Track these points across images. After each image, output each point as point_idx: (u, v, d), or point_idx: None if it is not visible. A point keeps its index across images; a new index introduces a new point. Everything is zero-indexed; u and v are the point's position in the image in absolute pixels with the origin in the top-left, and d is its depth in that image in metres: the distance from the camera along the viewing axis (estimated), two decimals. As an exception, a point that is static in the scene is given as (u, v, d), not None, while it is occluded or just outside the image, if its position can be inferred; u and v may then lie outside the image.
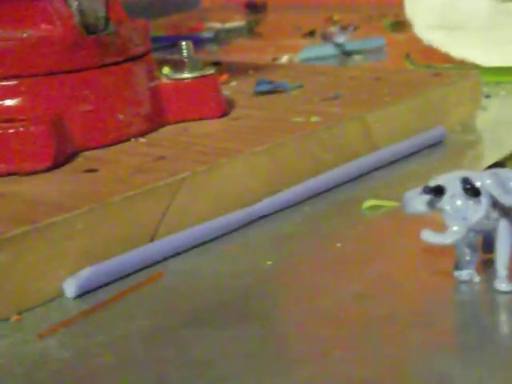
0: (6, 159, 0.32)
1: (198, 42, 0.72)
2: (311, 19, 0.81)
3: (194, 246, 0.30)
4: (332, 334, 0.24)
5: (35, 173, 0.32)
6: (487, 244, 0.26)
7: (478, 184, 0.24)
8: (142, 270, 0.29)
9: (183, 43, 0.38)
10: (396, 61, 0.57)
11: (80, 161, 0.34)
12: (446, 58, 0.56)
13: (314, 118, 0.37)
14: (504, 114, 0.46)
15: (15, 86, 0.34)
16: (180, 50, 0.38)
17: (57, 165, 0.32)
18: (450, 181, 0.25)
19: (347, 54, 0.64)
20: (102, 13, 0.34)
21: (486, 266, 0.26)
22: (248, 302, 0.26)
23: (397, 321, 0.24)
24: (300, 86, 0.43)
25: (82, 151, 0.34)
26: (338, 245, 0.30)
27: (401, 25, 0.68)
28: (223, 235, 0.31)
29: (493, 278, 0.25)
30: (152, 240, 0.30)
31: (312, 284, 0.28)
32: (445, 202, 0.24)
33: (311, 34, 0.72)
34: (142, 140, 0.36)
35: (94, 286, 0.27)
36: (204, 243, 0.31)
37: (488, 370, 0.22)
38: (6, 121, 0.32)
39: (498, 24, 0.54)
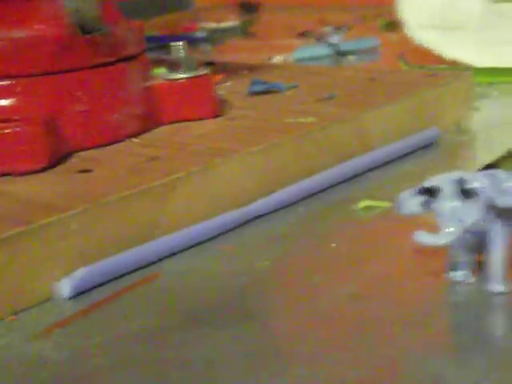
0: (0, 159, 0.32)
1: (192, 42, 0.72)
2: (305, 19, 0.81)
3: (190, 246, 0.30)
4: (327, 334, 0.24)
5: (29, 173, 0.32)
6: (482, 245, 0.26)
7: (472, 185, 0.24)
8: (137, 270, 0.29)
9: (177, 44, 0.38)
10: (390, 61, 0.58)
11: (74, 161, 0.34)
12: (440, 59, 0.56)
13: (308, 119, 0.37)
14: (497, 114, 0.46)
15: (9, 86, 0.34)
16: (174, 51, 0.38)
17: (51, 165, 0.32)
18: (445, 182, 0.25)
19: (341, 54, 0.64)
20: (95, 13, 0.34)
21: (481, 267, 0.26)
22: (244, 302, 0.26)
23: (391, 322, 0.24)
24: (294, 87, 0.44)
25: (77, 151, 0.34)
26: (333, 245, 0.30)
27: (395, 25, 0.68)
28: (219, 235, 0.31)
29: (487, 279, 0.25)
30: (147, 240, 0.30)
31: (307, 284, 0.28)
32: (439, 203, 0.24)
33: (305, 34, 0.72)
34: (136, 140, 0.36)
35: (89, 287, 0.27)
36: (200, 243, 0.31)
37: (482, 370, 0.22)
38: (0, 121, 0.32)
39: (490, 24, 0.54)
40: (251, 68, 0.50)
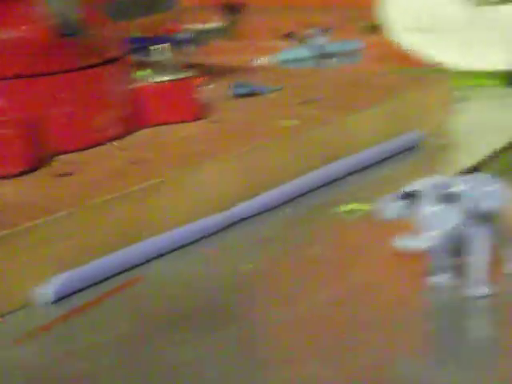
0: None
1: (176, 43, 0.72)
2: (289, 21, 0.81)
3: (173, 250, 0.30)
4: (308, 338, 0.24)
5: (10, 176, 0.32)
6: (463, 248, 0.26)
7: (453, 190, 0.25)
8: (119, 274, 0.29)
9: (160, 46, 0.38)
10: (372, 63, 0.58)
11: (56, 164, 0.33)
12: (422, 61, 0.56)
13: (292, 122, 0.37)
14: (478, 117, 0.46)
15: (-9, 88, 0.33)
16: (157, 53, 0.38)
17: (32, 168, 0.32)
18: (426, 186, 0.25)
19: (325, 56, 0.64)
20: (78, 15, 0.34)
21: (462, 270, 0.26)
22: (225, 306, 0.26)
23: (372, 326, 0.25)
24: (278, 89, 0.44)
25: (58, 154, 0.34)
26: (315, 249, 0.30)
27: (377, 27, 0.68)
28: (202, 238, 0.31)
29: (468, 283, 0.25)
30: (130, 244, 0.29)
31: (289, 289, 0.28)
32: (421, 208, 0.25)
33: (289, 35, 0.72)
34: (118, 143, 0.36)
35: (71, 291, 0.27)
36: (182, 247, 0.31)
37: (462, 372, 0.22)
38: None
39: (472, 27, 0.55)
40: (235, 70, 0.50)
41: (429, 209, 0.24)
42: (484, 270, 0.25)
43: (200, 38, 0.75)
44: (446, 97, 0.44)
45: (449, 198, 0.24)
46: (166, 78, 0.38)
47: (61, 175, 0.32)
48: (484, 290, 0.25)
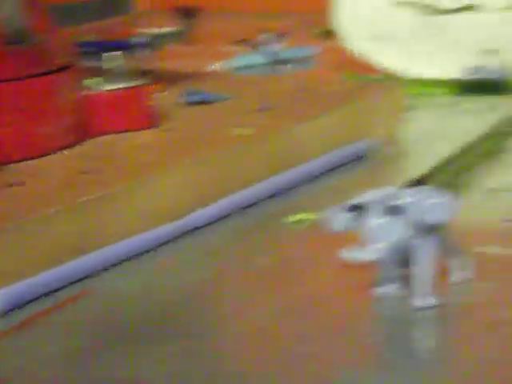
0: None
1: (130, 48, 0.72)
2: (244, 26, 0.81)
3: (122, 262, 0.30)
4: (258, 351, 0.24)
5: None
6: (409, 260, 0.27)
7: (398, 202, 0.25)
8: (68, 287, 0.28)
9: (111, 54, 0.38)
10: (325, 70, 0.58)
11: (4, 174, 0.33)
12: (374, 69, 0.57)
13: (243, 130, 0.37)
14: (428, 125, 0.47)
15: None
16: (109, 60, 0.38)
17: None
18: (373, 199, 0.25)
19: (279, 62, 0.64)
20: (25, 23, 0.33)
21: (408, 281, 0.27)
22: (174, 319, 0.26)
23: (319, 338, 0.25)
24: (230, 97, 0.44)
25: (7, 164, 0.34)
26: (263, 259, 0.30)
27: (331, 33, 0.69)
28: (151, 250, 0.31)
29: (414, 294, 0.26)
30: (78, 256, 0.29)
31: (238, 301, 0.28)
32: (367, 220, 0.25)
33: (244, 41, 0.73)
34: (69, 152, 0.36)
35: (17, 305, 0.27)
36: (132, 258, 0.30)
37: (408, 382, 0.22)
38: None
39: (422, 36, 0.55)
40: (188, 76, 0.50)
41: (375, 221, 0.25)
42: (429, 281, 0.26)
43: (155, 42, 0.74)
44: (397, 105, 0.44)
45: (395, 211, 0.25)
46: (117, 86, 0.38)
47: (11, 185, 0.31)
48: (429, 300, 0.26)
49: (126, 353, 0.24)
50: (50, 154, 0.35)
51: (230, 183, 0.35)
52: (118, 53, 0.38)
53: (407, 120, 0.46)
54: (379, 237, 0.25)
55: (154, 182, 0.32)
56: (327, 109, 0.41)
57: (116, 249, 0.30)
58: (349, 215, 0.25)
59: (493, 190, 0.35)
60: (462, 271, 0.27)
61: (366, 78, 0.53)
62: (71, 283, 0.28)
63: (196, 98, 0.43)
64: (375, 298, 0.26)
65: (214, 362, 0.24)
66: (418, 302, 0.26)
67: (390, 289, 0.26)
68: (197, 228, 0.33)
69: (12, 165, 0.34)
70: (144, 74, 0.49)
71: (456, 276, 0.27)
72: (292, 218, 0.33)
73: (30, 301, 0.27)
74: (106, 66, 0.38)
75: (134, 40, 0.73)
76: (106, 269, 0.30)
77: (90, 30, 0.78)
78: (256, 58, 0.64)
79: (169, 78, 0.49)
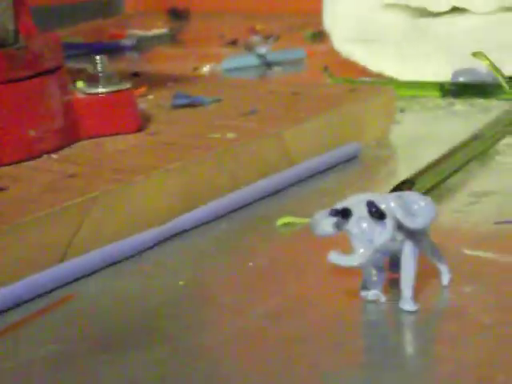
0: None
1: (119, 50, 0.72)
2: (235, 27, 0.81)
3: (106, 266, 0.30)
4: (243, 355, 0.24)
5: None
6: (394, 264, 0.27)
7: (382, 207, 0.25)
8: (51, 292, 0.28)
9: (97, 57, 0.38)
10: (315, 73, 0.58)
11: (-11, 178, 0.33)
12: (365, 72, 0.57)
13: (230, 135, 0.37)
14: (418, 128, 0.47)
15: None
16: (94, 64, 0.38)
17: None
18: (357, 203, 0.25)
19: (268, 64, 0.64)
20: (11, 26, 0.33)
21: (393, 285, 0.27)
22: (159, 323, 0.26)
23: (306, 342, 0.25)
24: (218, 100, 0.44)
25: (-8, 168, 0.34)
26: (251, 264, 0.30)
27: (321, 36, 0.69)
28: (136, 254, 0.31)
29: (399, 298, 0.26)
30: (62, 261, 0.29)
31: (225, 305, 0.28)
32: (351, 225, 0.25)
33: (234, 43, 0.72)
34: (54, 156, 0.35)
35: (0, 310, 0.27)
36: (117, 262, 0.30)
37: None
38: None
39: (412, 38, 0.55)
40: (176, 79, 0.49)
41: (358, 226, 0.25)
42: (413, 286, 0.25)
43: (144, 44, 0.74)
44: (387, 108, 0.44)
45: (379, 216, 0.25)
46: (103, 90, 0.38)
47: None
48: (413, 305, 0.25)
49: (110, 358, 0.24)
50: (36, 158, 0.35)
51: (218, 186, 0.35)
52: (103, 56, 0.38)
53: (397, 122, 0.46)
54: (364, 241, 0.25)
55: (141, 185, 0.32)
56: (317, 111, 0.41)
57: (103, 252, 0.30)
58: (333, 219, 0.25)
59: (482, 192, 0.35)
60: (447, 275, 0.27)
61: (356, 81, 0.53)
62: (54, 289, 0.28)
63: (184, 101, 0.43)
64: (362, 301, 0.26)
65: (202, 366, 0.24)
66: (403, 305, 0.26)
67: (375, 293, 0.26)
68: (185, 231, 0.33)
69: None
70: (132, 76, 0.49)
71: (444, 279, 0.27)
72: (281, 222, 0.33)
73: (13, 306, 0.27)
74: (93, 68, 0.38)
75: (122, 42, 0.73)
76: (92, 272, 0.29)
77: (79, 32, 0.78)
78: (246, 60, 0.64)
79: (157, 81, 0.49)
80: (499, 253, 0.29)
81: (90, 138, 0.37)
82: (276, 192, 0.37)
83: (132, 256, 0.31)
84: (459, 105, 0.50)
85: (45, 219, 0.29)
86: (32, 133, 0.35)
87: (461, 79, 0.51)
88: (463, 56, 0.48)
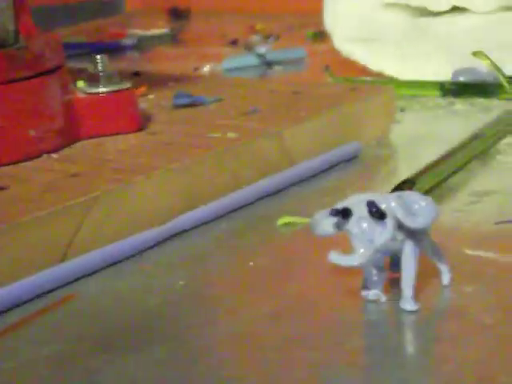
0: None
1: (120, 49, 0.72)
2: (235, 27, 0.81)
3: (107, 266, 0.30)
4: (244, 356, 0.24)
5: None
6: (394, 264, 0.27)
7: (383, 207, 0.25)
8: (51, 292, 0.28)
9: (98, 57, 0.38)
10: (316, 72, 0.58)
11: (-10, 178, 0.33)
12: (365, 71, 0.57)
13: (230, 134, 0.37)
14: (418, 127, 0.47)
15: None
16: (95, 64, 0.38)
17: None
18: (357, 203, 0.25)
19: (268, 64, 0.64)
20: (11, 26, 0.33)
21: (394, 285, 0.27)
22: (160, 323, 0.26)
23: (307, 341, 0.25)
24: (219, 100, 0.44)
25: (-7, 167, 0.34)
26: (251, 263, 0.30)
27: (322, 35, 0.69)
28: (137, 254, 0.31)
29: (399, 298, 0.26)
30: (63, 261, 0.29)
31: (225, 304, 0.28)
32: (351, 225, 0.25)
33: (235, 42, 0.72)
34: (54, 156, 0.35)
35: (1, 310, 0.27)
36: (117, 263, 0.30)
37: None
38: None
39: (413, 38, 0.55)
40: (177, 79, 0.49)
41: (358, 226, 0.25)
42: (413, 286, 0.25)
43: (145, 43, 0.74)
44: (387, 107, 0.44)
45: (379, 216, 0.25)
46: (104, 89, 0.38)
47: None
48: (414, 305, 0.25)
49: (113, 356, 0.24)
50: (37, 158, 0.35)
51: (219, 186, 0.35)
52: (104, 56, 0.38)
53: (398, 122, 0.46)
54: (364, 241, 0.25)
55: (142, 185, 0.32)
56: (318, 110, 0.41)
57: (103, 252, 0.30)
58: (333, 219, 0.25)
59: (483, 192, 0.35)
60: (448, 274, 0.27)
61: (356, 80, 0.53)
62: (57, 288, 0.28)
63: (185, 101, 0.43)
64: (363, 301, 0.26)
65: (201, 366, 0.24)
66: (403, 305, 0.26)
67: (375, 292, 0.26)
68: (185, 231, 0.33)
69: (-1, 168, 0.34)
70: (133, 76, 0.49)
71: (445, 279, 0.27)
72: (281, 221, 0.33)
73: (13, 307, 0.27)
74: (94, 68, 0.38)
75: (123, 42, 0.73)
76: (93, 272, 0.29)
77: (79, 32, 0.78)
78: (247, 60, 0.64)
79: (158, 80, 0.49)
80: (500, 252, 0.29)
81: (91, 137, 0.37)
82: (276, 192, 0.37)
83: (132, 256, 0.31)
84: (459, 104, 0.50)
85: (45, 219, 0.29)
86: (32, 132, 0.35)
87: (461, 79, 0.51)
88: (463, 55, 0.48)
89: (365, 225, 0.25)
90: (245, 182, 0.36)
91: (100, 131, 0.37)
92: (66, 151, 0.36)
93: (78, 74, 0.39)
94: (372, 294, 0.26)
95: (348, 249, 0.25)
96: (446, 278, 0.27)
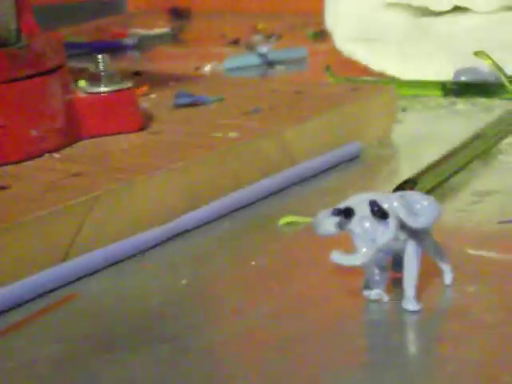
0: None
1: (121, 49, 0.72)
2: (236, 27, 0.81)
3: (109, 266, 0.30)
4: (244, 355, 0.24)
5: None
6: (397, 263, 0.26)
7: (385, 206, 0.25)
8: (53, 291, 0.28)
9: (99, 56, 0.38)
10: (317, 72, 0.58)
11: (-9, 177, 0.33)
12: (366, 71, 0.56)
13: (232, 134, 0.37)
14: (420, 127, 0.47)
15: None
16: (96, 63, 0.38)
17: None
18: (359, 203, 0.25)
19: (270, 64, 0.64)
20: (13, 25, 0.33)
21: (396, 285, 0.26)
22: (162, 323, 0.26)
23: (308, 341, 0.25)
24: (220, 99, 0.43)
25: (-5, 167, 0.34)
26: (253, 263, 0.30)
27: (324, 35, 0.69)
28: (139, 253, 0.31)
29: (401, 298, 0.26)
30: (65, 260, 0.29)
31: (227, 304, 0.28)
32: (354, 224, 0.25)
33: (236, 42, 0.72)
34: (56, 155, 0.35)
35: (2, 309, 0.27)
36: (119, 262, 0.30)
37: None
38: None
39: (414, 37, 0.55)
40: (178, 79, 0.49)
41: (360, 225, 0.25)
42: (415, 285, 0.25)
43: (146, 43, 0.74)
44: (389, 107, 0.44)
45: (381, 215, 0.25)
46: (105, 89, 0.38)
47: (-1, 188, 0.31)
48: (417, 304, 0.25)
49: (115, 356, 0.24)
50: (39, 157, 0.35)
51: (220, 186, 0.35)
52: (105, 55, 0.38)
53: (399, 122, 0.46)
54: (366, 241, 0.25)
55: (144, 184, 0.32)
56: (319, 110, 0.41)
57: (105, 252, 0.30)
58: (336, 219, 0.25)
59: (485, 191, 0.35)
60: (450, 274, 0.27)
61: (358, 80, 0.53)
62: (59, 287, 0.28)
63: (186, 100, 0.43)
64: (365, 300, 0.26)
65: (202, 365, 0.24)
66: (405, 305, 0.26)
67: (378, 292, 0.26)
68: (187, 230, 0.33)
69: (1, 167, 0.34)
70: (134, 75, 0.49)
71: (447, 279, 0.27)
72: (283, 221, 0.33)
73: (14, 306, 0.27)
74: (95, 67, 0.38)
75: (124, 41, 0.73)
76: (95, 272, 0.29)
77: (81, 31, 0.78)
78: (248, 60, 0.64)
79: (159, 80, 0.49)
80: (502, 252, 0.29)
81: (92, 137, 0.37)
82: (278, 191, 0.37)
83: (134, 255, 0.31)
84: (461, 104, 0.49)
85: (47, 218, 0.29)
86: (34, 132, 0.35)
87: (463, 78, 0.51)
88: (465, 55, 0.48)
89: (367, 224, 0.25)
90: (246, 181, 0.36)
91: (101, 131, 0.37)
92: (68, 151, 0.36)
93: (80, 73, 0.39)
94: (374, 293, 0.26)
95: (350, 248, 0.25)
96: (448, 278, 0.27)
